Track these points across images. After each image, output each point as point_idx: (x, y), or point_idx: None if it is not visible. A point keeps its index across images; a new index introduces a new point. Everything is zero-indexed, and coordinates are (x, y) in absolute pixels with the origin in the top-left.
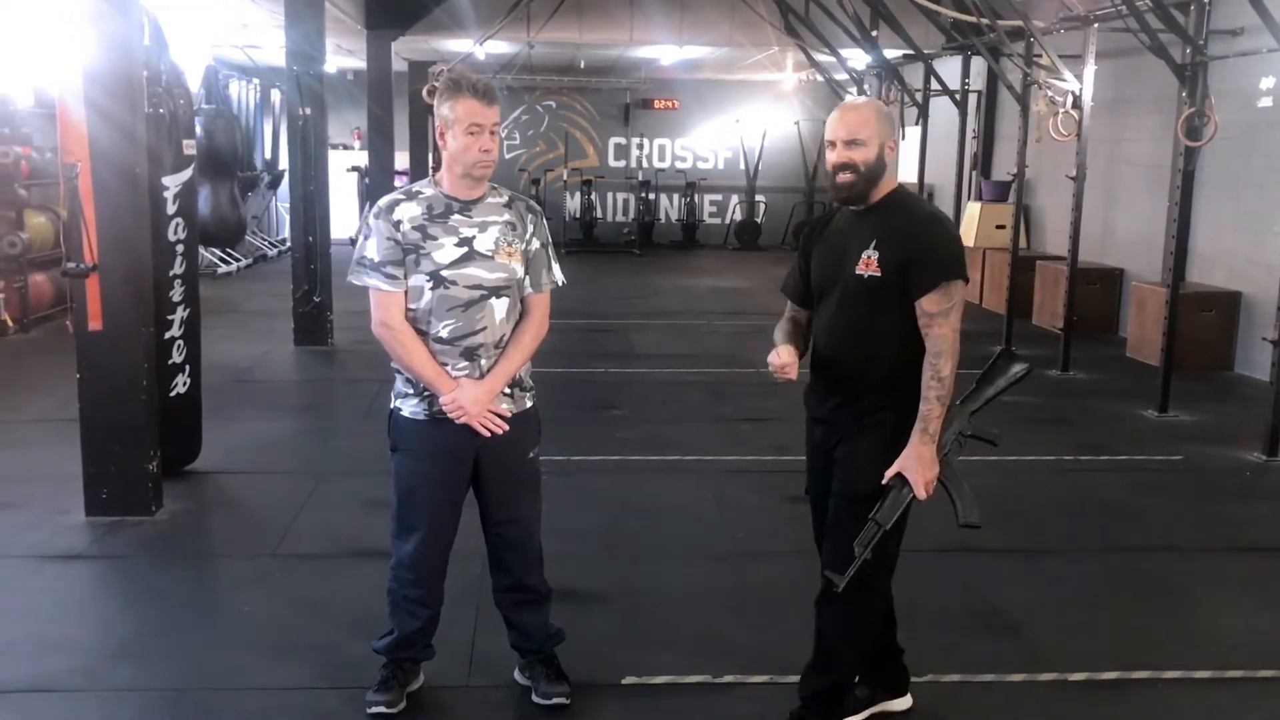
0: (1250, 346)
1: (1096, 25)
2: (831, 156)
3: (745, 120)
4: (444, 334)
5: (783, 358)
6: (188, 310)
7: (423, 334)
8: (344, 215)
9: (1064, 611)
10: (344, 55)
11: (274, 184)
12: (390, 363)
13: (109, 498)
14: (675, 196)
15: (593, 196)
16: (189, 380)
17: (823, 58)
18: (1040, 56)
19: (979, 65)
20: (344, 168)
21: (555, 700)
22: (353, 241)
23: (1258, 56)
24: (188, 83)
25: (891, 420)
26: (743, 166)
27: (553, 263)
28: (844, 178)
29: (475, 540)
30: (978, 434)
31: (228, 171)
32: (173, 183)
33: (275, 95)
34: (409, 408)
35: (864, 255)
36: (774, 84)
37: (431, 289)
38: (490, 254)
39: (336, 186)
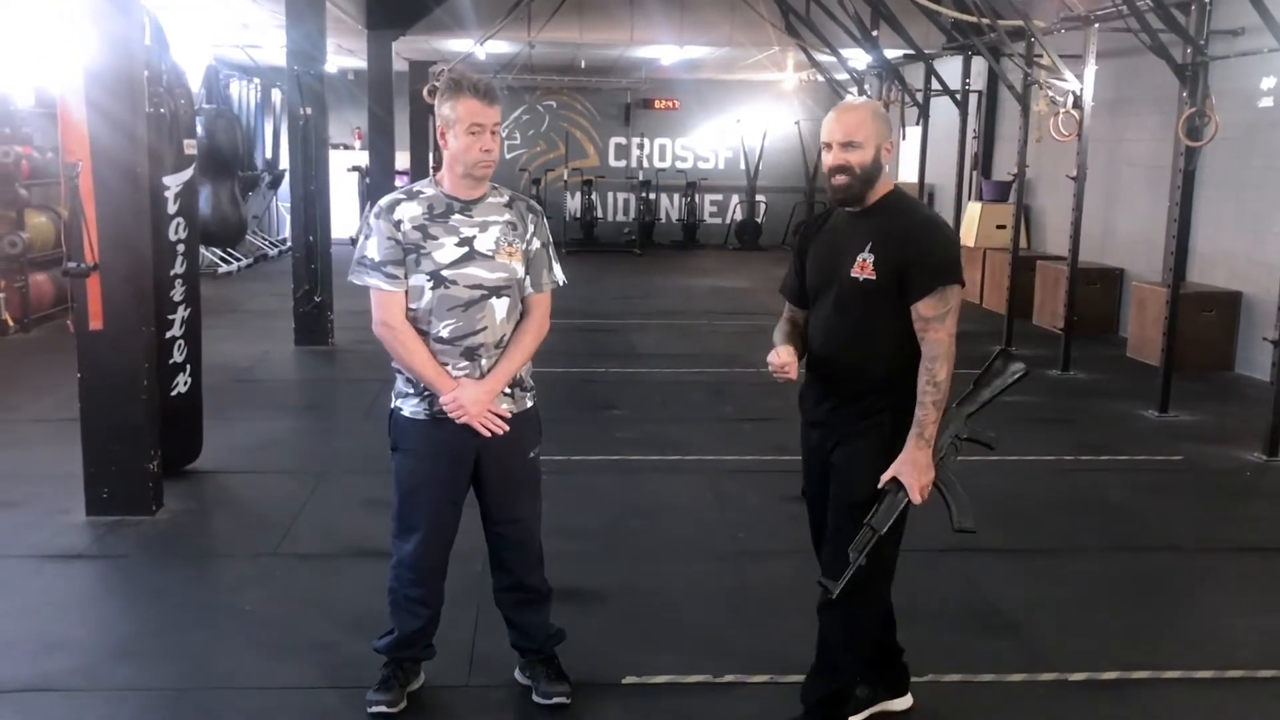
0: (1251, 346)
1: (1097, 25)
2: (827, 158)
3: (746, 120)
4: (444, 334)
5: (782, 357)
6: (188, 310)
7: (423, 334)
8: (344, 215)
9: (1064, 611)
10: (345, 55)
11: (275, 184)
12: (391, 362)
13: (109, 497)
14: (676, 196)
15: (593, 196)
16: (190, 380)
17: (823, 58)
18: (1041, 56)
19: (980, 65)
20: (345, 167)
21: (556, 700)
22: (353, 241)
23: (1258, 56)
24: (189, 82)
25: (888, 424)
26: (743, 166)
27: (553, 262)
28: (840, 180)
29: (476, 540)
30: (974, 437)
31: (228, 171)
32: (173, 182)
33: (276, 95)
34: (410, 407)
35: (860, 258)
36: (774, 84)
37: (432, 289)
38: (491, 254)
39: (337, 186)
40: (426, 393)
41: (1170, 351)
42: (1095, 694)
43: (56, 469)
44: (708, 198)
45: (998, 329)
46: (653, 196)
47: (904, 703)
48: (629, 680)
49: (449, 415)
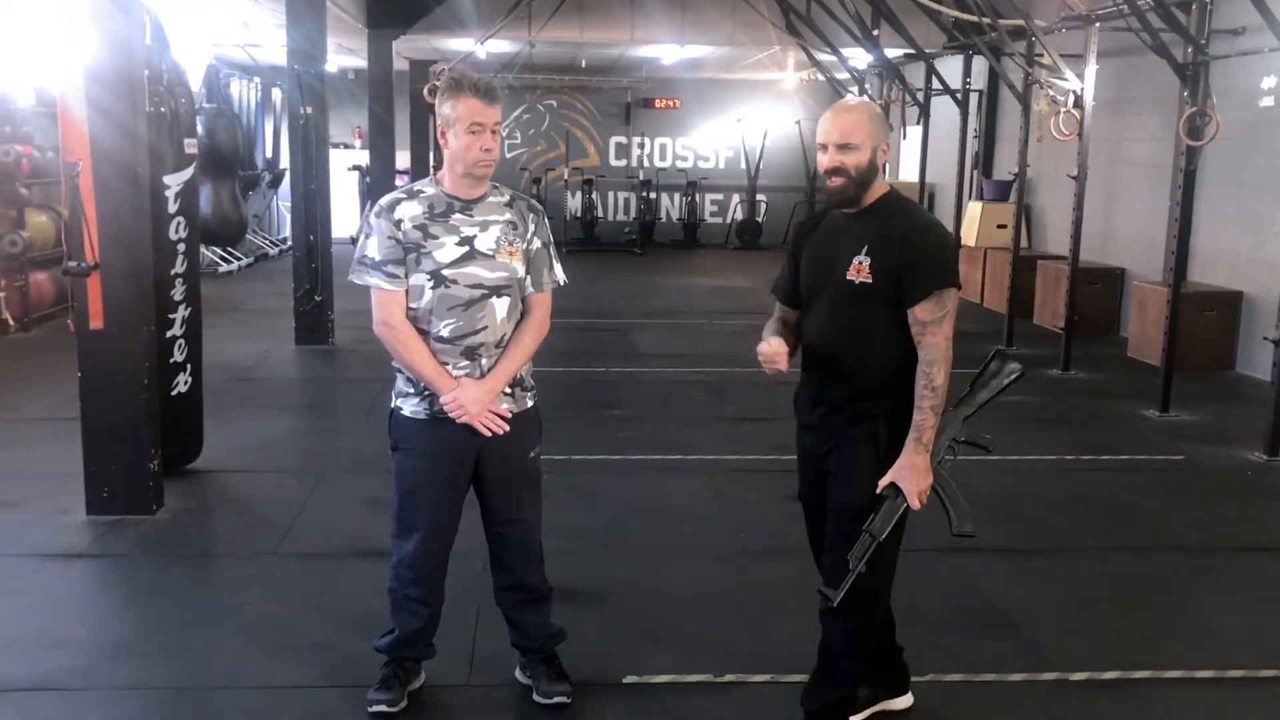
0: (1251, 346)
1: (1098, 24)
2: (823, 160)
3: (746, 119)
4: (445, 333)
5: (773, 346)
6: (189, 309)
7: (423, 333)
8: (345, 214)
9: (1065, 611)
10: (345, 54)
11: (275, 183)
12: (391, 362)
13: (110, 496)
14: (676, 196)
15: (594, 196)
16: (190, 379)
17: (824, 57)
18: (1042, 56)
19: (980, 64)
20: (345, 167)
21: (556, 699)
22: (354, 240)
23: (1259, 56)
24: (189, 81)
25: (884, 429)
26: (744, 166)
27: (554, 262)
28: (835, 182)
29: (476, 539)
30: (971, 440)
31: (229, 170)
32: (174, 181)
33: (276, 94)
34: (410, 407)
35: (855, 261)
36: (775, 83)
37: (432, 288)
38: (491, 253)
39: (337, 185)
40: (427, 392)
41: (1171, 351)
42: (1096, 694)
43: (57, 468)
44: (708, 197)
45: (998, 328)
46: (653, 196)
47: (905, 701)
48: (629, 680)
49: (449, 415)
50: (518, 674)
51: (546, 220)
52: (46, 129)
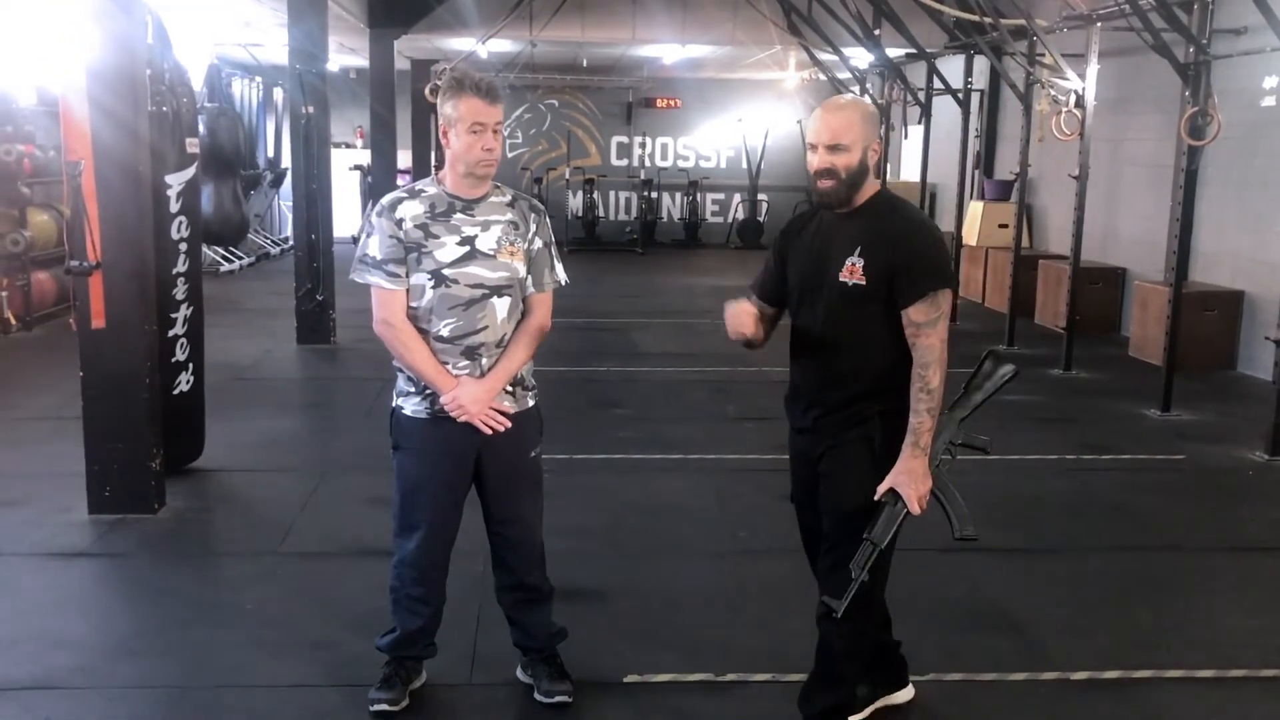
0: (1253, 346)
1: (1099, 24)
2: (813, 160)
3: (748, 119)
4: (445, 333)
5: (744, 305)
6: (191, 308)
7: (424, 332)
8: (346, 214)
9: (1066, 611)
10: (347, 54)
11: (276, 182)
12: (392, 361)
13: (112, 495)
14: (678, 195)
15: (595, 195)
16: (192, 378)
17: (825, 56)
18: (1043, 55)
19: (982, 64)
20: (346, 166)
21: (557, 698)
22: (355, 240)
23: (1261, 55)
24: (191, 81)
25: (878, 432)
26: (745, 165)
27: (555, 262)
28: (825, 184)
29: (477, 538)
30: (968, 442)
31: (231, 170)
32: (176, 181)
33: (278, 93)
34: (411, 406)
35: (848, 262)
36: (776, 83)
37: (433, 288)
38: (492, 253)
39: (339, 185)
40: (428, 391)
41: (1172, 351)
42: (1097, 693)
43: (59, 467)
44: (709, 197)
45: (1000, 328)
46: (654, 195)
47: (905, 694)
48: (630, 679)
49: (449, 414)
50: (519, 673)
51: (548, 220)
52: (48, 128)
